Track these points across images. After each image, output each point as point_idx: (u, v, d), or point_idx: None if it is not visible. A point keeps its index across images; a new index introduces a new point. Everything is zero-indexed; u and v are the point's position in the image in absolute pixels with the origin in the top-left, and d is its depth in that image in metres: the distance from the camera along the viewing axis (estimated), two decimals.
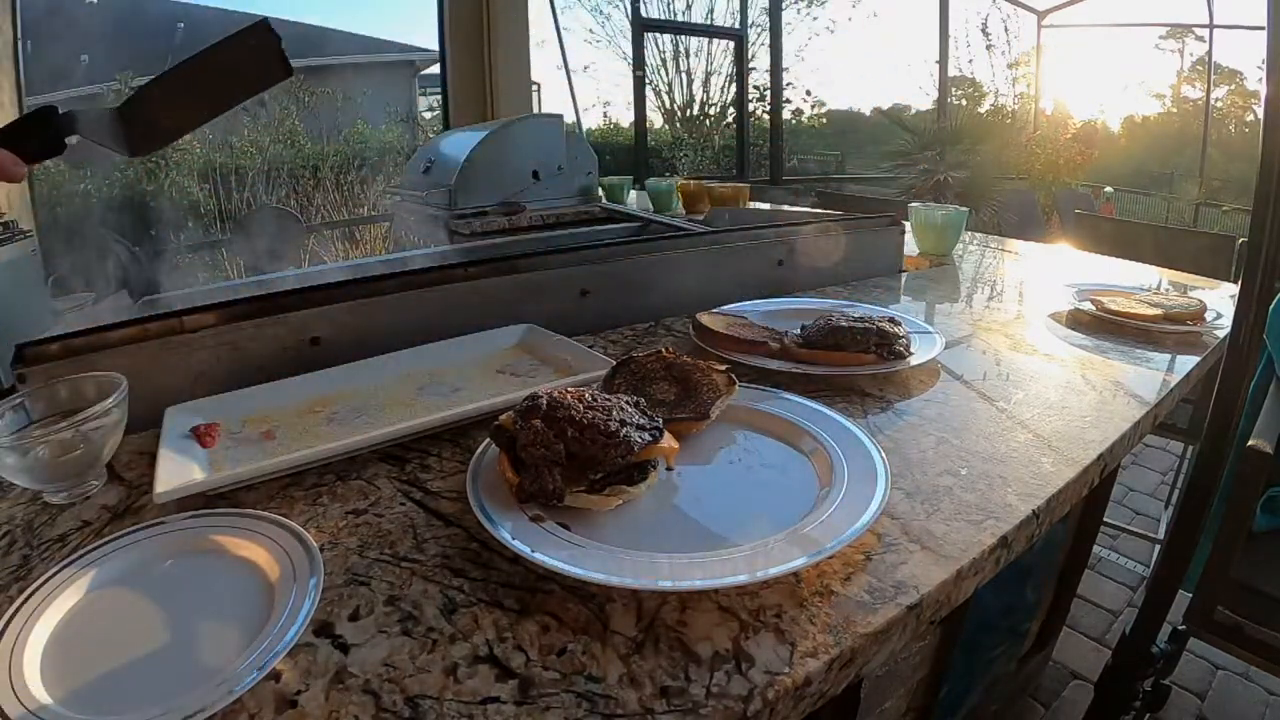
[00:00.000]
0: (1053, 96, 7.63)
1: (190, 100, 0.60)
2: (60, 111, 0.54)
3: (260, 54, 0.60)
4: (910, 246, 1.46)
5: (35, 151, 0.53)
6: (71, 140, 0.56)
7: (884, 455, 0.56)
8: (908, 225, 1.44)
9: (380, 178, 4.63)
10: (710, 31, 6.52)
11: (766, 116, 6.37)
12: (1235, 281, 1.35)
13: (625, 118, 6.69)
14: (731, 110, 6.59)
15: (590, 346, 0.83)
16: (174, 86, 0.59)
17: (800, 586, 0.45)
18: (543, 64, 5.10)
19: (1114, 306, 1.01)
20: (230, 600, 0.44)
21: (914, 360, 0.80)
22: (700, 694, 0.37)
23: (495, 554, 0.48)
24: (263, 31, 0.60)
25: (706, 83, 6.77)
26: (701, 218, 2.01)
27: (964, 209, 1.54)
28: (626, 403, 0.55)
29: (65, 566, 0.45)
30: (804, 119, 7.61)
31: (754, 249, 1.16)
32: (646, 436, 0.52)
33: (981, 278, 1.42)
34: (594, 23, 6.56)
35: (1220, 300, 1.12)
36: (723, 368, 0.68)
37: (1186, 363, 0.87)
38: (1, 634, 0.39)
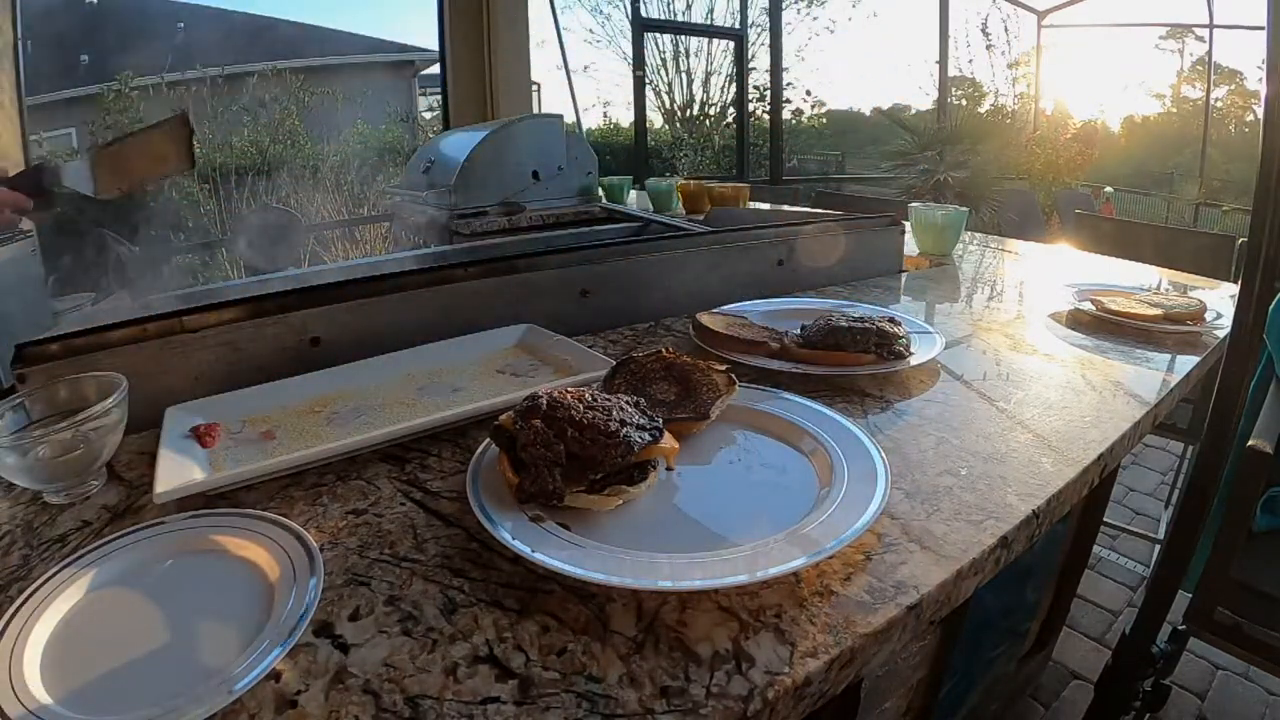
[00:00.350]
0: (1053, 96, 7.64)
1: (139, 159, 0.80)
2: (50, 164, 0.76)
3: (178, 139, 0.80)
4: (910, 246, 1.46)
5: (34, 192, 0.73)
6: (57, 186, 0.76)
7: (884, 455, 0.56)
8: (908, 225, 1.44)
9: (380, 178, 4.63)
10: (710, 31, 6.53)
11: (766, 116, 6.37)
12: (1235, 281, 1.35)
13: (625, 118, 6.70)
14: (731, 110, 6.59)
15: (590, 346, 0.83)
16: (129, 147, 0.80)
17: (800, 586, 0.45)
18: (543, 64, 5.11)
19: (1114, 306, 1.01)
20: (230, 600, 0.44)
21: (914, 360, 0.80)
22: (700, 694, 0.37)
23: (495, 554, 0.48)
24: (180, 123, 0.80)
25: (706, 83, 6.78)
26: (701, 218, 2.01)
27: (964, 209, 1.54)
28: (626, 403, 0.55)
29: (65, 566, 0.45)
30: (804, 119, 7.61)
31: (754, 249, 1.16)
32: (646, 436, 0.52)
33: (981, 278, 1.42)
34: (594, 23, 6.58)
35: (1220, 300, 1.12)
36: (723, 368, 0.68)
37: (1186, 363, 0.87)
38: (1, 634, 0.39)
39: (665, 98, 6.73)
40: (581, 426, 0.51)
